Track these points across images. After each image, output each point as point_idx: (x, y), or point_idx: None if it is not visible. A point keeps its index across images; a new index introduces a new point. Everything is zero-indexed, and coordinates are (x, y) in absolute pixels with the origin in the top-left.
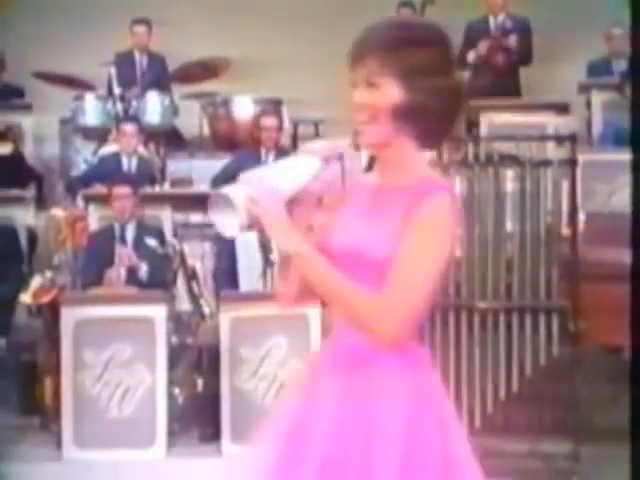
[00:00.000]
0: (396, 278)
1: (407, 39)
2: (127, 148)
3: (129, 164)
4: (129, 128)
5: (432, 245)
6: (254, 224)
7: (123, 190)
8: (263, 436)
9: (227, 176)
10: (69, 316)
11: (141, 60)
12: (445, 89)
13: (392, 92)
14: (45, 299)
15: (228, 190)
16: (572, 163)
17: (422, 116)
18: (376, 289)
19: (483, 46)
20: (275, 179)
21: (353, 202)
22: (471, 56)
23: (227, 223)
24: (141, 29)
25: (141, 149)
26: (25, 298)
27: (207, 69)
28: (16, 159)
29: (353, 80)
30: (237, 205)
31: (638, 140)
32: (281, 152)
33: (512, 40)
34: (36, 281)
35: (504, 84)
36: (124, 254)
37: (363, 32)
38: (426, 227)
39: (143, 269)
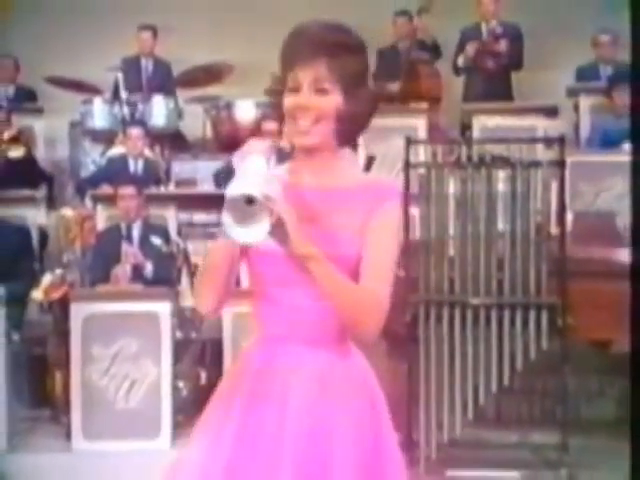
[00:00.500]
0: (373, 273)
1: (349, 44)
2: (133, 151)
3: (135, 166)
4: (135, 132)
5: (395, 242)
6: (274, 227)
7: (127, 190)
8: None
9: (230, 170)
10: (78, 312)
11: (147, 65)
12: (373, 94)
13: (338, 98)
14: (55, 296)
15: (245, 188)
16: (561, 164)
17: (356, 120)
18: None
19: (471, 48)
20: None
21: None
22: (461, 60)
23: (249, 229)
24: (147, 35)
25: (147, 151)
26: (36, 295)
27: (211, 74)
28: (28, 162)
29: (294, 81)
30: (260, 201)
31: (638, 141)
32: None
33: (502, 45)
34: (47, 278)
35: (496, 88)
36: (130, 252)
37: (301, 33)
38: (389, 226)
39: (148, 267)
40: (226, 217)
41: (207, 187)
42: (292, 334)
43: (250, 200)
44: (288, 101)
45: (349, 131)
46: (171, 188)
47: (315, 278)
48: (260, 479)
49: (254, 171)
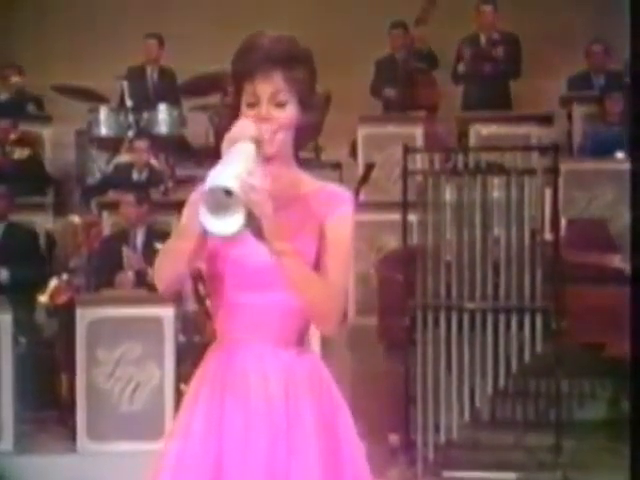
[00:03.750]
0: (332, 268)
1: (299, 55)
2: (139, 162)
3: (139, 176)
4: (141, 144)
5: (349, 244)
6: (249, 221)
7: (127, 198)
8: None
9: None
10: (83, 316)
11: (152, 74)
12: (322, 100)
13: (294, 108)
14: (61, 300)
15: (223, 180)
16: (555, 172)
17: (312, 128)
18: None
19: (468, 51)
20: (243, 169)
21: None
22: (460, 68)
23: (223, 221)
24: (153, 44)
25: (153, 160)
26: (42, 299)
27: (214, 82)
28: (34, 163)
29: (253, 95)
30: (238, 195)
31: (636, 148)
32: (265, 159)
33: (500, 51)
34: (53, 283)
35: (495, 97)
36: (133, 258)
37: (255, 47)
38: (344, 228)
39: (150, 273)
40: (202, 206)
41: None
42: (252, 336)
43: (228, 192)
44: (249, 114)
45: (304, 138)
46: (175, 195)
47: (286, 271)
48: (225, 472)
49: (239, 160)
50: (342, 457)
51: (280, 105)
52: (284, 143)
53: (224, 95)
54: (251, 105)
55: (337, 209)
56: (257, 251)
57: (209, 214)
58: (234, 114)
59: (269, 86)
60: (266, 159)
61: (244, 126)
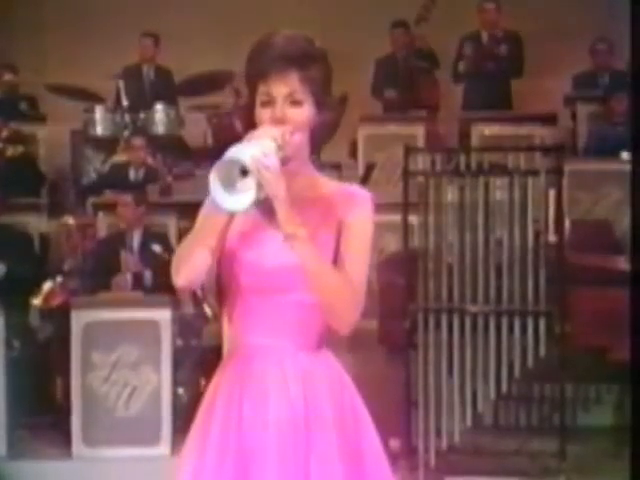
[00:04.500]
0: (349, 266)
1: (315, 55)
2: (136, 160)
3: (136, 175)
4: (137, 142)
5: (368, 242)
6: (262, 201)
7: (125, 199)
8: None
9: None
10: (79, 319)
11: (148, 73)
12: (338, 102)
13: (310, 108)
14: (56, 302)
15: (240, 154)
16: (558, 173)
17: (327, 129)
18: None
19: (469, 48)
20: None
21: (249, 214)
22: (461, 66)
23: (236, 197)
24: (149, 42)
25: (149, 160)
26: (37, 302)
27: (212, 82)
28: (27, 162)
29: (268, 95)
30: (251, 170)
31: (637, 148)
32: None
33: (502, 48)
34: (47, 285)
35: (496, 96)
36: (130, 260)
37: (269, 47)
38: (363, 227)
39: (147, 276)
40: (214, 179)
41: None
42: (270, 340)
43: (244, 171)
44: (263, 114)
45: (320, 140)
46: (172, 197)
47: (299, 257)
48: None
49: (256, 144)
50: (364, 462)
51: (296, 105)
52: (301, 144)
53: (236, 96)
54: (265, 104)
55: (356, 208)
56: (274, 252)
57: (221, 189)
58: (248, 115)
59: (284, 86)
60: (283, 161)
61: (267, 129)
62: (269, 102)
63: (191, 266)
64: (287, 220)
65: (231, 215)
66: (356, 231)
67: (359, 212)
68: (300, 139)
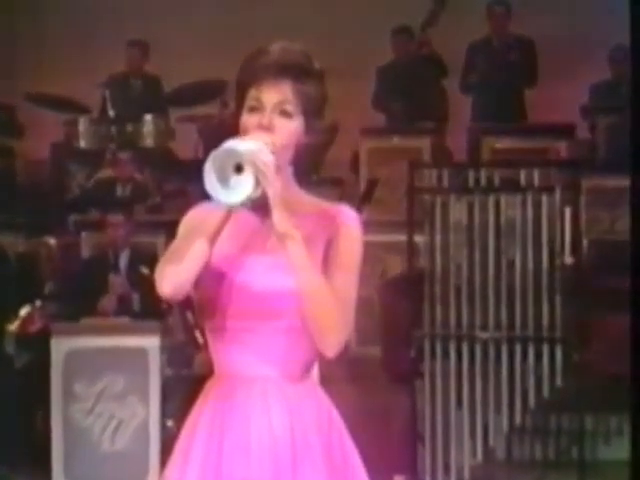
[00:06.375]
0: (339, 284)
1: (311, 71)
2: (122, 175)
3: (123, 191)
4: (124, 156)
5: (357, 260)
6: (256, 196)
7: (116, 218)
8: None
9: None
10: (59, 346)
11: (136, 83)
12: (329, 128)
13: (299, 123)
14: (34, 329)
15: (238, 146)
16: (575, 189)
17: (313, 151)
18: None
19: (478, 57)
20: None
21: (236, 233)
22: (471, 77)
23: (231, 190)
24: (136, 51)
25: (137, 175)
26: (13, 327)
27: (204, 91)
28: (3, 178)
29: (257, 101)
30: (247, 162)
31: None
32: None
33: (514, 55)
34: (25, 310)
35: (508, 107)
36: (116, 283)
37: (265, 54)
38: (352, 246)
39: (135, 299)
40: (209, 170)
41: None
42: (254, 369)
43: (240, 166)
44: (250, 120)
45: (304, 161)
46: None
47: (291, 257)
48: None
49: (254, 142)
50: None
51: (285, 115)
52: (285, 163)
53: (223, 108)
54: (253, 110)
55: (342, 227)
56: (263, 277)
57: (216, 181)
58: (236, 125)
59: (276, 93)
60: (275, 168)
61: (258, 135)
62: (258, 109)
63: (179, 269)
64: (282, 219)
65: (224, 216)
66: (343, 249)
67: (346, 231)
68: (287, 157)
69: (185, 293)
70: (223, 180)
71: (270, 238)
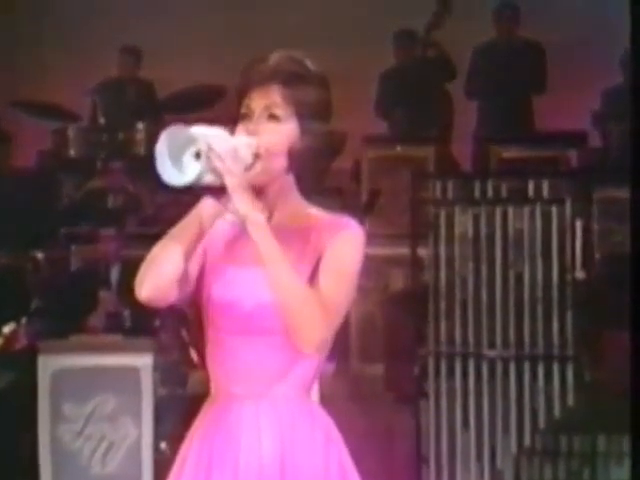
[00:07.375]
0: (325, 285)
1: (305, 75)
2: (114, 186)
3: (115, 202)
4: (116, 166)
5: (351, 265)
6: (212, 176)
7: (107, 231)
8: None
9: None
10: (47, 365)
11: (128, 89)
12: (334, 134)
13: (291, 128)
14: (19, 346)
15: (194, 128)
16: (587, 200)
17: (311, 159)
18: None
19: (484, 62)
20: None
21: (229, 246)
22: (476, 81)
23: (183, 168)
24: (129, 57)
25: (130, 186)
26: None
27: (201, 97)
28: None
29: (247, 108)
30: (201, 147)
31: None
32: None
33: (522, 60)
34: (9, 327)
35: (516, 114)
36: (107, 298)
37: (258, 62)
38: (345, 250)
39: (126, 316)
40: (162, 149)
41: None
42: (247, 388)
43: (198, 153)
44: (239, 128)
45: (303, 170)
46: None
47: (258, 247)
48: None
49: (212, 129)
50: None
51: (273, 119)
52: (280, 170)
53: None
54: (244, 117)
55: (338, 233)
56: (253, 291)
57: (168, 160)
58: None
59: (263, 99)
60: (260, 190)
61: (242, 137)
62: (248, 115)
63: (158, 272)
64: (241, 201)
65: (207, 217)
66: (335, 254)
67: (342, 237)
68: (279, 165)
69: (166, 300)
70: (174, 159)
71: (250, 249)
